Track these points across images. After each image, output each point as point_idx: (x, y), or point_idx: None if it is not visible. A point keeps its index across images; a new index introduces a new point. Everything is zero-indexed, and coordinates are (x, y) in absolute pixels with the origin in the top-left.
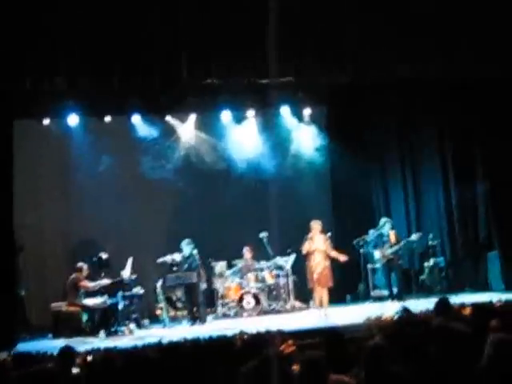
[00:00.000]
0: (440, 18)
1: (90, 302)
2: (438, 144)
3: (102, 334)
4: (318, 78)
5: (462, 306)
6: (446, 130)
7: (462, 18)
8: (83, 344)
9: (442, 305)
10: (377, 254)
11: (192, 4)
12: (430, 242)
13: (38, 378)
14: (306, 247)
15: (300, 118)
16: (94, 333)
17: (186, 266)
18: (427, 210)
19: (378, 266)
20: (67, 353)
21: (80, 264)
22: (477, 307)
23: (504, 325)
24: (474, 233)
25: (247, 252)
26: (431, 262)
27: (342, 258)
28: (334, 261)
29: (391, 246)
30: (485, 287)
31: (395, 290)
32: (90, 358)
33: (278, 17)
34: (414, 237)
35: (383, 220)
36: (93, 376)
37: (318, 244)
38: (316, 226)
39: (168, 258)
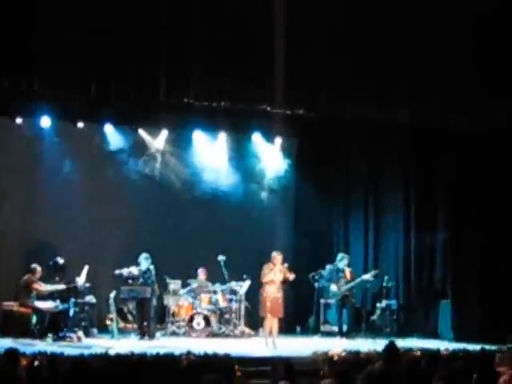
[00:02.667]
0: (413, 66)
1: (41, 304)
2: (403, 188)
3: (49, 338)
4: (293, 110)
5: (410, 350)
6: (412, 175)
7: (434, 69)
8: (30, 346)
9: (390, 350)
10: (333, 287)
11: (175, 22)
12: (384, 284)
13: None
14: (267, 277)
15: (270, 147)
16: (42, 336)
17: (141, 280)
18: (385, 251)
19: (330, 301)
20: (12, 354)
21: (34, 265)
22: (425, 354)
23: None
24: (428, 279)
25: (202, 273)
26: (383, 303)
27: (291, 276)
28: (286, 291)
29: (346, 283)
30: (434, 334)
31: (345, 326)
32: (35, 362)
33: (259, 44)
34: (369, 276)
35: (340, 255)
36: (35, 380)
37: (276, 275)
38: (278, 257)
39: (125, 271)
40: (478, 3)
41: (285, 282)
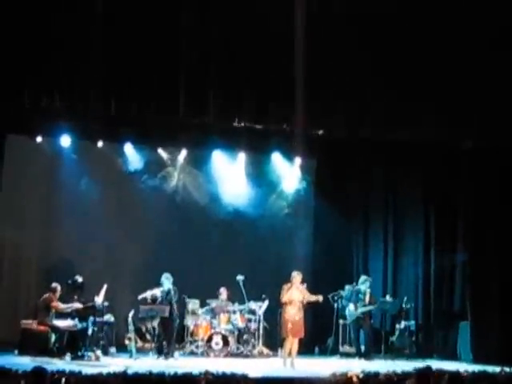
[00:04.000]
0: (435, 87)
1: (60, 323)
2: (423, 210)
3: (67, 356)
4: (312, 130)
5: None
6: (431, 197)
7: (455, 89)
8: (48, 364)
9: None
10: (350, 307)
11: (195, 43)
12: (403, 305)
13: None
14: (286, 296)
15: (290, 167)
16: (60, 354)
17: (162, 299)
18: (405, 272)
19: (348, 321)
20: (40, 373)
21: (54, 284)
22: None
23: None
24: (448, 301)
25: (224, 293)
26: (402, 324)
27: (320, 298)
28: (305, 311)
29: (365, 305)
30: (453, 356)
31: (362, 347)
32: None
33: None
34: (388, 298)
35: (363, 278)
36: None
37: (296, 295)
38: (298, 276)
39: (148, 294)
40: None
41: (311, 303)
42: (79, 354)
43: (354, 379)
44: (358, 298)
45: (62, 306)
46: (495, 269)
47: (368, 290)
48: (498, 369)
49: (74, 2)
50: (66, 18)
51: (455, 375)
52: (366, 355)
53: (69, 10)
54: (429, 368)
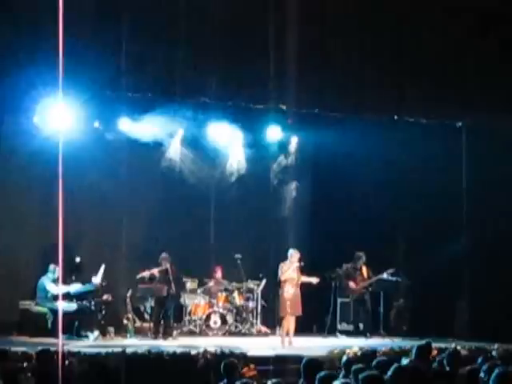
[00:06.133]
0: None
1: (58, 304)
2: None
3: (65, 337)
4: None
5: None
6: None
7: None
8: (47, 346)
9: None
10: (351, 284)
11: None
12: (400, 283)
13: None
14: (285, 274)
15: (286, 143)
16: (58, 335)
17: (160, 279)
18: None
19: (346, 299)
20: (46, 354)
21: (52, 266)
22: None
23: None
24: (445, 278)
25: (218, 271)
26: (400, 302)
27: (315, 280)
28: (302, 290)
29: (363, 281)
30: (451, 334)
31: (361, 325)
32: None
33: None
34: (385, 275)
35: (357, 254)
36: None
37: (294, 273)
38: (296, 255)
39: (146, 274)
40: None
41: (306, 284)
42: (78, 334)
43: (352, 356)
44: (355, 275)
45: (54, 288)
46: (493, 252)
47: (364, 266)
48: (495, 345)
49: None
50: None
51: (454, 352)
52: (365, 333)
53: None
54: (429, 344)
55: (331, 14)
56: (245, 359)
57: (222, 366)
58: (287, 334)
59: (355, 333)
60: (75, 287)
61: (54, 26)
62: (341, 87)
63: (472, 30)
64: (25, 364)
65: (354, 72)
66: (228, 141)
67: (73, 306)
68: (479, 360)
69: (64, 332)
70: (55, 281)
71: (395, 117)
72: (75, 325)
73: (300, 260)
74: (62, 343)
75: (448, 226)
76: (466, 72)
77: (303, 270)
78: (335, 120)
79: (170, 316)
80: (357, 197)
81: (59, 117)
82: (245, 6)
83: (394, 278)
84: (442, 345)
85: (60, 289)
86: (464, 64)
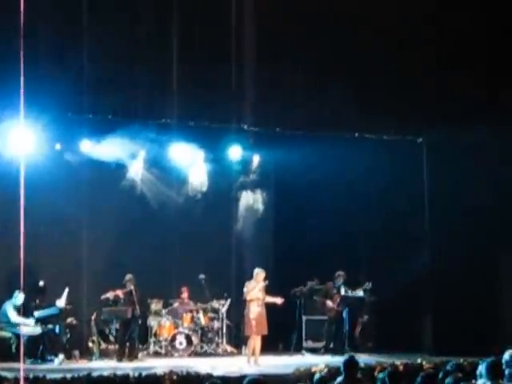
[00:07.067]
0: None
1: (22, 328)
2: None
3: (29, 361)
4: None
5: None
6: None
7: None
8: (11, 371)
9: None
10: (328, 303)
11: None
12: (365, 299)
13: None
14: (251, 294)
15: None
16: (23, 359)
17: (124, 301)
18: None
19: (312, 317)
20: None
21: (16, 292)
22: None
23: None
24: (411, 293)
25: (184, 292)
26: (365, 318)
27: (279, 300)
28: (268, 308)
29: (342, 299)
30: (416, 349)
31: (332, 343)
32: None
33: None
34: (362, 292)
35: (337, 273)
36: None
37: (259, 292)
38: (262, 274)
39: (110, 295)
40: None
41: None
42: (43, 358)
43: (318, 374)
44: (332, 293)
45: (14, 316)
46: (458, 263)
47: (342, 285)
48: (460, 360)
49: None
50: None
51: (417, 367)
52: (332, 350)
53: None
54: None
55: (289, 33)
56: (211, 380)
57: None
58: (253, 353)
59: (324, 350)
60: (30, 322)
61: (14, 48)
62: (302, 105)
63: (430, 45)
64: None
65: (314, 90)
66: (190, 161)
67: (37, 329)
68: (440, 374)
69: (29, 356)
70: (18, 306)
71: (356, 134)
72: (40, 349)
73: (265, 279)
74: (23, 368)
75: (410, 240)
76: (426, 87)
77: (268, 289)
78: (296, 138)
79: (135, 337)
80: (318, 214)
81: (20, 140)
82: (205, 28)
83: (357, 295)
84: (408, 360)
85: (19, 319)
86: (422, 79)
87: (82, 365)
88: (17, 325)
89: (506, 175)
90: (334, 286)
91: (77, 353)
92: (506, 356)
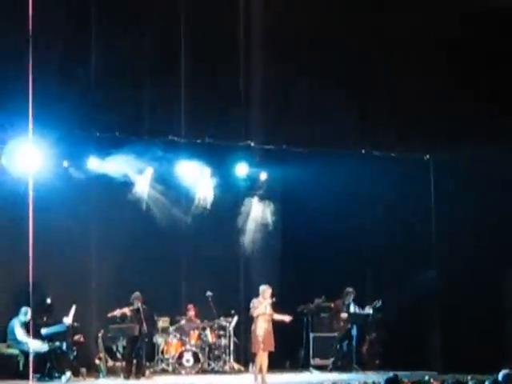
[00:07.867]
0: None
1: (29, 345)
2: None
3: (36, 378)
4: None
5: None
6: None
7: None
8: None
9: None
10: (343, 315)
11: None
12: (372, 317)
13: None
14: (257, 310)
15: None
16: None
17: (131, 318)
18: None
19: (319, 334)
20: None
21: (24, 308)
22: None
23: None
24: (418, 311)
25: (191, 310)
26: (372, 335)
27: (288, 318)
28: (275, 325)
29: (349, 316)
30: (424, 366)
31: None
32: None
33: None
34: (371, 310)
35: (347, 290)
36: None
37: (266, 309)
38: (268, 290)
39: (118, 313)
40: None
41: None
42: (49, 375)
43: None
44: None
45: (21, 334)
46: (465, 284)
47: (352, 303)
48: (468, 377)
49: None
50: None
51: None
52: (346, 367)
53: None
54: (396, 376)
55: (297, 51)
56: None
57: None
58: (260, 370)
59: (333, 367)
60: (36, 344)
61: (22, 66)
62: (308, 123)
63: (440, 61)
64: None
65: (320, 107)
66: (197, 178)
67: (44, 347)
68: None
69: (36, 373)
70: (25, 323)
71: (363, 151)
72: (47, 366)
73: (272, 296)
74: None
75: (417, 258)
76: (433, 106)
77: (275, 306)
78: (303, 155)
79: (142, 355)
80: (325, 232)
81: (28, 157)
82: (211, 45)
83: (365, 312)
84: (415, 378)
85: (25, 338)
86: (430, 98)
87: (88, 382)
88: (24, 342)
89: None
90: (343, 304)
91: (84, 370)
92: (500, 377)
